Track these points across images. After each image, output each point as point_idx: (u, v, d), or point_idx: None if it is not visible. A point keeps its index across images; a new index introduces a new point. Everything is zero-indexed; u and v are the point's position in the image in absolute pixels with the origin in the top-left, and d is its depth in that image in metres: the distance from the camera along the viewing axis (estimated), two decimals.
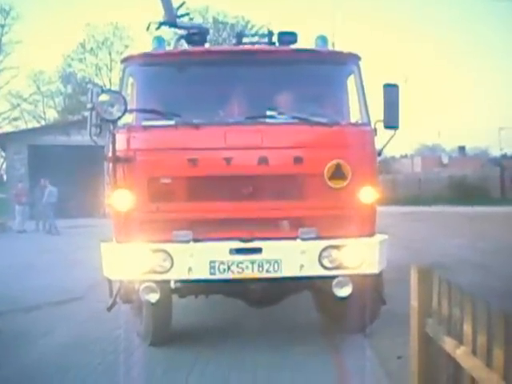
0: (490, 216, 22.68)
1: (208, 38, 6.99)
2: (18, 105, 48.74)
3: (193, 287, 5.37)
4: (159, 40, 6.11)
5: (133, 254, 4.94)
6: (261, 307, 5.83)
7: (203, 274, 4.88)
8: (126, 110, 4.96)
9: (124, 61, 5.96)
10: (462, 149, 55.62)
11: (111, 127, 5.00)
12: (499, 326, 2.54)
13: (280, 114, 5.43)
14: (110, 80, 46.89)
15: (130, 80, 5.90)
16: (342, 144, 5.24)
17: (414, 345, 3.82)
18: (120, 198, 5.11)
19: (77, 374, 5.20)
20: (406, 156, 54.38)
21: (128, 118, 5.43)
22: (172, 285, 5.17)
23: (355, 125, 5.61)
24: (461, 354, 3.01)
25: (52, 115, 52.61)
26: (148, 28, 7.30)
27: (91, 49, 46.82)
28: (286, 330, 6.49)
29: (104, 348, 5.94)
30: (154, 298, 5.00)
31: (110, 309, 5.45)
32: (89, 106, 5.31)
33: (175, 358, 5.58)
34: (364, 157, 5.30)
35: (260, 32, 9.14)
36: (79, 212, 26.21)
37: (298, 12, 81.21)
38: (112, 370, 5.29)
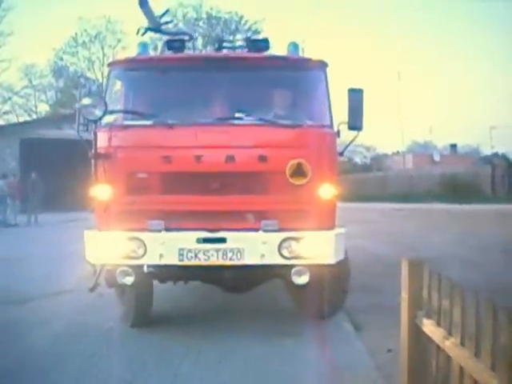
0: (480, 213, 22.84)
1: (195, 41, 7.13)
2: (10, 98, 48.41)
3: (164, 272, 5.72)
4: (143, 45, 6.69)
5: (111, 240, 5.41)
6: (235, 293, 6.34)
7: (173, 260, 5.34)
8: (105, 112, 5.42)
9: (109, 65, 6.53)
10: (453, 146, 55.84)
11: (93, 126, 5.55)
12: (487, 316, 2.59)
13: (247, 116, 5.82)
14: (102, 74, 46.61)
15: (115, 83, 6.39)
16: (303, 144, 5.61)
17: (404, 336, 3.87)
18: (101, 191, 5.61)
19: (71, 364, 5.23)
20: (397, 153, 54.48)
21: (111, 118, 5.86)
22: (145, 269, 5.47)
23: (317, 127, 5.87)
24: (450, 344, 3.06)
25: (44, 109, 52.41)
26: (138, 32, 7.56)
27: (83, 42, 46.63)
28: (272, 320, 6.56)
29: (97, 338, 5.99)
30: (129, 281, 5.46)
31: (92, 290, 5.74)
32: (77, 105, 5.77)
33: (165, 346, 5.65)
34: (324, 156, 5.70)
35: (242, 36, 9.50)
36: (71, 205, 26.10)
37: (291, 7, 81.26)
38: (105, 359, 5.34)
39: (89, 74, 47.30)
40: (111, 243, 5.39)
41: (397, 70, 79.45)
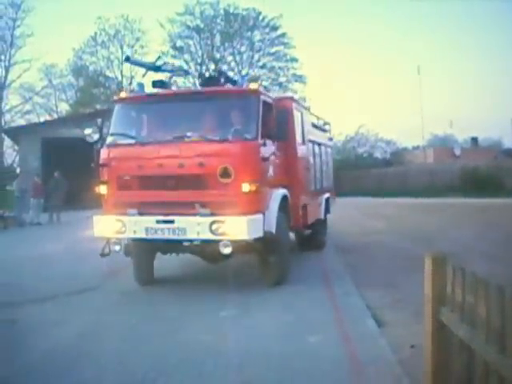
0: (502, 207, 22.59)
1: (190, 75, 11.60)
2: (30, 98, 48.90)
3: (140, 244, 8.31)
4: (140, 85, 9.17)
5: (107, 221, 8.03)
6: (214, 263, 8.70)
7: (142, 235, 7.77)
8: (100, 138, 8.90)
9: (114, 101, 9.03)
10: (474, 140, 55.18)
11: (95, 146, 8.43)
12: None
13: (194, 135, 7.95)
14: (121, 72, 46.91)
15: (119, 112, 8.71)
16: (228, 154, 7.59)
17: (427, 332, 3.86)
18: (102, 188, 8.25)
19: (92, 363, 5.32)
20: (418, 147, 53.97)
21: (111, 139, 8.53)
22: (126, 241, 8.22)
23: (240, 140, 7.69)
24: (474, 340, 3.04)
25: (64, 108, 52.76)
26: (144, 75, 9.95)
27: (102, 42, 46.62)
28: (290, 316, 6.59)
29: (118, 336, 6.11)
30: (117, 248, 8.12)
31: (102, 255, 8.22)
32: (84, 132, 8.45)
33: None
34: (243, 162, 7.62)
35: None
36: (92, 204, 26.27)
37: (308, 3, 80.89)
38: (126, 358, 5.42)
39: (108, 73, 47.49)
40: (107, 223, 8.00)
41: (416, 64, 78.52)
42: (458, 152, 48.43)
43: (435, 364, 3.78)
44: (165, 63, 10.05)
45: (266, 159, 7.95)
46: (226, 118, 8.20)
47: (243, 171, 7.54)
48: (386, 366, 5.02)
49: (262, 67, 46.97)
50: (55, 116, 49.16)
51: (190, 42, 45.67)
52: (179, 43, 45.51)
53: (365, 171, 41.51)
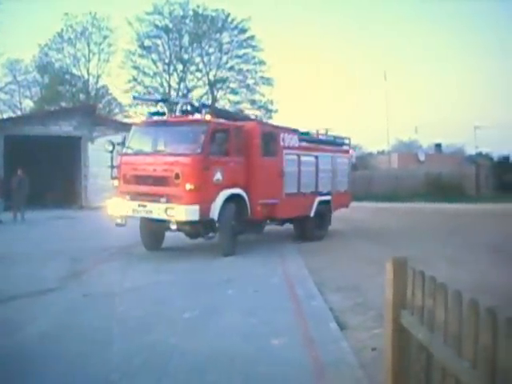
0: (464, 212, 23.03)
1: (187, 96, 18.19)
2: None
3: (145, 221, 12.25)
4: (149, 113, 13.92)
5: (116, 202, 11.95)
6: (192, 238, 12.76)
7: (130, 213, 11.65)
8: (113, 149, 12.39)
9: (132, 124, 13.56)
10: (438, 146, 56.09)
11: (111, 154, 12.49)
12: (470, 315, 2.62)
13: (165, 149, 12.01)
14: (87, 70, 46.38)
15: (132, 132, 12.83)
16: (178, 163, 11.19)
17: (388, 336, 3.89)
18: (116, 182, 12.26)
19: (56, 363, 5.24)
20: (383, 152, 54.62)
21: (124, 149, 12.51)
22: (126, 216, 11.90)
23: (188, 155, 11.29)
24: (433, 343, 3.08)
25: (28, 105, 51.82)
26: (156, 105, 14.52)
27: (69, 39, 46.02)
28: (262, 325, 6.59)
29: (83, 337, 6.01)
30: (119, 220, 11.92)
31: (117, 225, 12.04)
32: (106, 147, 12.45)
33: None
34: (187, 169, 11.12)
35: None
36: (56, 203, 25.89)
37: (279, 5, 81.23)
38: (92, 359, 5.34)
39: (74, 71, 46.92)
40: (117, 204, 11.89)
41: (383, 69, 79.58)
42: (422, 158, 49.13)
43: (395, 367, 3.82)
44: (170, 96, 14.49)
45: (207, 168, 11.32)
46: (188, 138, 11.79)
47: (187, 176, 11.06)
48: (347, 368, 5.06)
49: (230, 69, 47.07)
50: (19, 113, 48.21)
51: (158, 42, 45.45)
52: (147, 42, 45.28)
53: None
